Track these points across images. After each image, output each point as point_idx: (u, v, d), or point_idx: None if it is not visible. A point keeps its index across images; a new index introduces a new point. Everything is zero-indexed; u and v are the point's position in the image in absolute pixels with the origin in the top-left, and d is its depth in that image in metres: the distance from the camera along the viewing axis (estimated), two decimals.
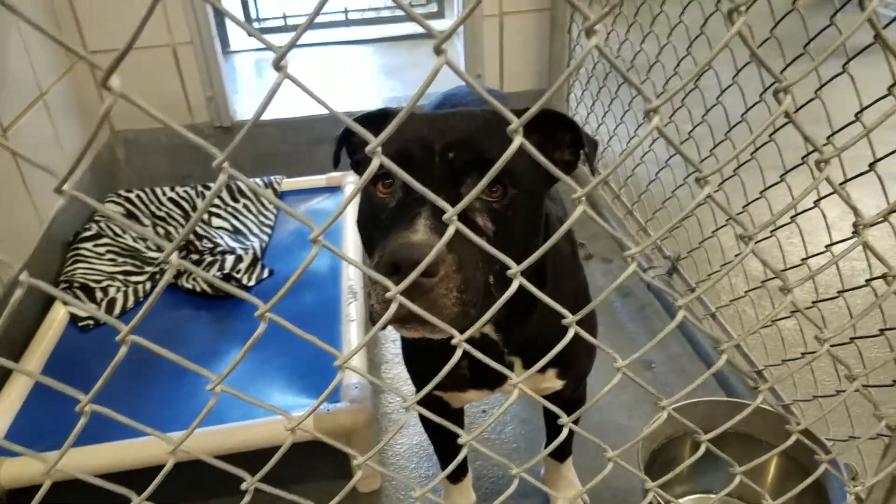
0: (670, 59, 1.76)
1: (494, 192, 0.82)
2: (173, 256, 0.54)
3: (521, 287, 0.61)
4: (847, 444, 1.22)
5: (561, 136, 0.93)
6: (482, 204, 0.82)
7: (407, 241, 0.71)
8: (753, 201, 1.44)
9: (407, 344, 1.16)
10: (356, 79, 3.28)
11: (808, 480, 0.83)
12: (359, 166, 1.03)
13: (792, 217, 1.27)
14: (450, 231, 0.57)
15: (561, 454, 1.40)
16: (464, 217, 0.80)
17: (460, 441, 0.71)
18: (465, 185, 0.81)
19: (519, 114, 0.56)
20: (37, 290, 0.47)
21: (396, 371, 1.84)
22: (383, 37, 3.78)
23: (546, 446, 1.45)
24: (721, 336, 1.65)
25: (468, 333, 0.64)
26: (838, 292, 1.21)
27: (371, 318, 0.77)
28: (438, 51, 0.53)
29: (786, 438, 1.21)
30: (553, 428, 1.38)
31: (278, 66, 0.50)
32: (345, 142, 1.01)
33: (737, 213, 1.52)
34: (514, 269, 0.61)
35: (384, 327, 0.67)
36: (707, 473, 1.29)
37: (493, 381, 1.07)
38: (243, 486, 0.67)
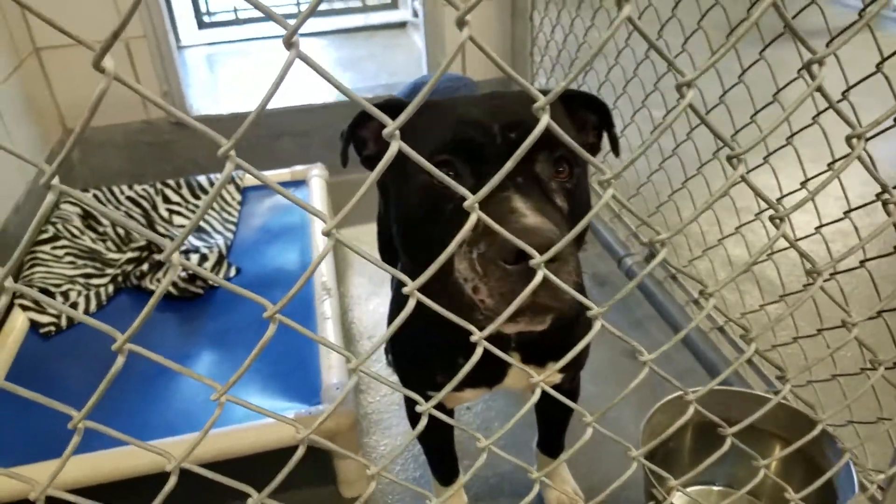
0: (639, 45, 1.75)
1: (562, 173, 0.79)
2: (175, 255, 0.49)
3: None
4: (846, 429, 1.21)
5: (584, 118, 0.90)
6: (557, 185, 0.79)
7: (524, 225, 0.65)
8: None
9: (401, 342, 1.10)
10: (312, 72, 3.20)
11: (831, 472, 0.81)
12: (370, 161, 0.95)
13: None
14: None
15: (553, 450, 1.37)
16: (546, 199, 0.76)
17: (480, 446, 0.67)
18: (538, 164, 0.77)
19: (544, 94, 0.52)
20: None
21: (375, 368, 1.78)
22: (338, 28, 3.70)
23: (539, 441, 1.40)
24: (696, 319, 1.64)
25: (488, 331, 0.60)
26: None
27: (473, 316, 0.70)
28: (461, 23, 0.49)
29: (788, 426, 1.21)
30: (546, 423, 1.35)
31: (289, 43, 0.45)
32: (352, 137, 0.93)
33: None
34: (538, 259, 0.58)
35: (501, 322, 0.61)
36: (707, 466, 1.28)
37: (491, 379, 1.03)
38: (250, 502, 0.62)
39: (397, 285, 1.11)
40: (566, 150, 0.77)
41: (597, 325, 0.62)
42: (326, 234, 0.50)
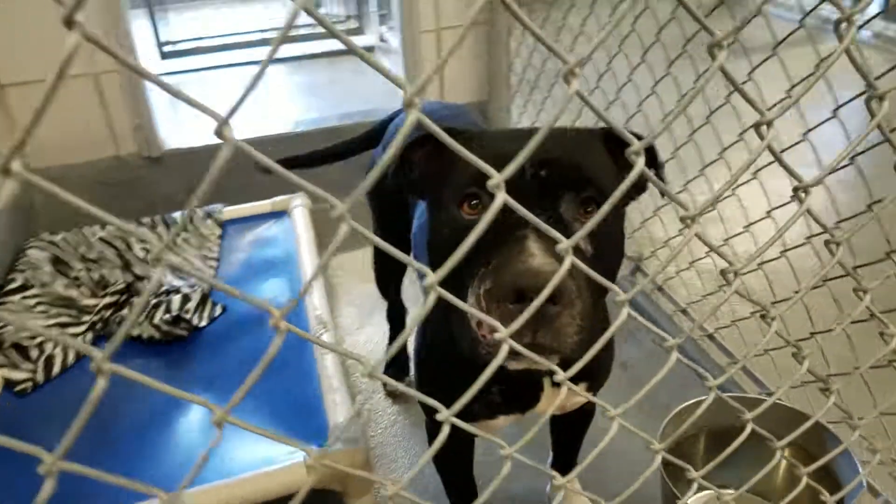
0: (640, 77, 1.78)
1: (590, 214, 0.78)
2: (282, 322, 0.48)
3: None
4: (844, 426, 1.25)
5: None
6: (582, 226, 0.78)
7: (528, 266, 0.66)
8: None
9: (437, 374, 1.07)
10: (274, 98, 3.18)
11: (848, 488, 0.83)
12: (415, 185, 0.94)
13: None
14: (567, 262, 0.54)
15: (567, 469, 1.38)
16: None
17: (556, 483, 0.67)
18: (563, 204, 0.77)
19: (604, 133, 0.54)
20: None
21: (374, 400, 1.76)
22: (300, 55, 3.68)
23: (553, 461, 1.40)
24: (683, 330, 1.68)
25: (571, 371, 0.60)
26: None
27: (476, 350, 0.74)
28: (570, 76, 0.49)
29: (791, 428, 1.24)
30: (561, 443, 1.36)
31: (410, 103, 0.44)
32: (403, 161, 0.91)
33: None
34: (622, 297, 0.58)
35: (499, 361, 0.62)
36: (719, 470, 1.30)
37: (525, 405, 1.03)
38: None
39: (423, 323, 1.09)
40: (594, 191, 0.77)
41: (672, 357, 0.63)
42: (431, 286, 0.49)
